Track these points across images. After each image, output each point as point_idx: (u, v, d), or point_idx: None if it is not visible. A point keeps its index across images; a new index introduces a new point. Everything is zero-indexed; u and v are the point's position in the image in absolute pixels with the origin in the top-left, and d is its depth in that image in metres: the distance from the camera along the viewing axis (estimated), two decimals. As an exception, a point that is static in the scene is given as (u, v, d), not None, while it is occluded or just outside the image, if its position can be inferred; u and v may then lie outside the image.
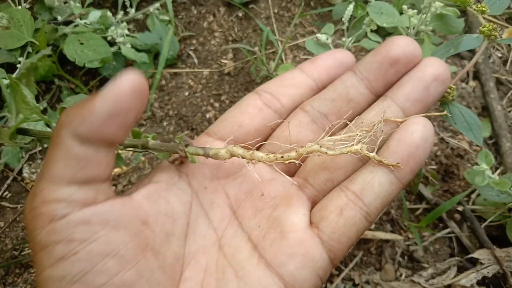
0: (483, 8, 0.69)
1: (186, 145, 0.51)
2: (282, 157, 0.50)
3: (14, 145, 0.59)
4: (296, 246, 0.49)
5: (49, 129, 0.60)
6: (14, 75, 0.98)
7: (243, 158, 0.51)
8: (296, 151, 0.50)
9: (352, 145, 0.50)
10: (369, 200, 0.50)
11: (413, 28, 0.76)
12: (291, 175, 0.56)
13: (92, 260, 0.42)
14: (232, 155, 0.51)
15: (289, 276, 0.48)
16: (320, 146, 0.49)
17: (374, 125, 0.51)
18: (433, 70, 0.52)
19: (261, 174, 0.54)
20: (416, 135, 0.49)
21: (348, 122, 0.54)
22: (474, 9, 0.69)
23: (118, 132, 0.42)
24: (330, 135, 0.51)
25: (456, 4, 0.71)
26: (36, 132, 0.55)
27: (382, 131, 0.51)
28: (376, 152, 0.50)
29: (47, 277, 0.42)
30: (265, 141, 0.57)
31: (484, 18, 0.69)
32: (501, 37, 0.83)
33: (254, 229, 0.52)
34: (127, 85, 0.40)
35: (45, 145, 0.63)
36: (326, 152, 0.49)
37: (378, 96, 0.55)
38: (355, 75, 0.55)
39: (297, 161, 0.51)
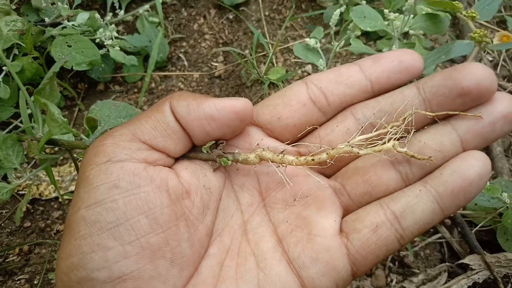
0: (473, 14, 0.68)
1: (217, 151, 0.51)
2: (313, 160, 0.49)
3: (43, 157, 0.59)
4: (321, 252, 0.48)
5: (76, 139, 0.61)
6: (1, 76, 0.97)
7: (272, 162, 0.50)
8: (327, 153, 0.48)
9: (384, 143, 0.47)
10: (407, 224, 0.48)
11: (397, 31, 0.75)
12: (328, 176, 0.54)
13: (128, 213, 0.42)
14: (261, 160, 0.50)
15: (309, 280, 0.47)
16: (352, 147, 0.47)
17: (405, 118, 0.48)
18: (503, 108, 0.48)
19: (296, 170, 0.52)
20: (473, 171, 0.47)
21: (384, 123, 0.51)
22: (464, 15, 0.69)
23: (202, 135, 0.48)
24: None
25: (446, 10, 0.71)
26: (65, 142, 0.56)
27: (414, 126, 0.48)
28: (425, 176, 0.48)
29: (80, 217, 0.42)
30: (304, 137, 0.55)
31: (475, 22, 0.68)
32: (492, 41, 0.82)
33: (281, 223, 0.52)
34: (238, 105, 0.47)
35: (74, 155, 0.66)
36: (358, 152, 0.47)
37: (433, 120, 0.51)
38: (418, 94, 0.50)
39: (329, 162, 0.49)
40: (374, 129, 0.50)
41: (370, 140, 0.49)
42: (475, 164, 0.47)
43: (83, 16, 1.09)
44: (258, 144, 0.52)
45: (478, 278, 0.89)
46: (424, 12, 0.79)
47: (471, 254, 0.94)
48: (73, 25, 1.09)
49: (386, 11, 0.74)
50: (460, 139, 0.49)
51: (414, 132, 0.50)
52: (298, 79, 1.18)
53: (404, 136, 0.50)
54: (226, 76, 1.19)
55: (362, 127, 0.51)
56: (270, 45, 1.22)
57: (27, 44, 0.98)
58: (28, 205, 1.00)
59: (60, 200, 1.03)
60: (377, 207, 0.50)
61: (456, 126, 0.50)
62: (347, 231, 0.50)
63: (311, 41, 0.80)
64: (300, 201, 0.52)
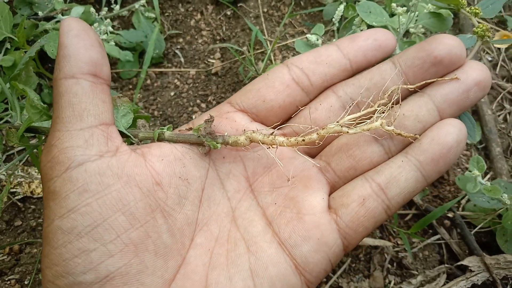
0: (477, 10, 0.69)
1: (204, 133, 0.50)
2: (303, 140, 0.49)
3: (23, 145, 0.57)
4: (312, 229, 0.49)
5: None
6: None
7: (263, 143, 0.50)
8: (318, 133, 0.49)
9: (372, 121, 0.49)
10: (392, 194, 0.49)
11: (402, 27, 0.74)
12: (313, 156, 0.55)
13: (104, 213, 0.42)
14: (251, 141, 0.50)
15: (301, 258, 0.48)
16: (341, 126, 0.49)
17: (390, 95, 0.50)
18: (476, 75, 0.51)
19: (281, 152, 0.53)
20: (451, 138, 0.49)
21: (371, 103, 0.53)
22: (468, 11, 0.69)
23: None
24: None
25: (449, 6, 0.70)
26: (45, 129, 0.54)
27: (400, 104, 0.50)
28: (399, 134, 0.49)
29: (56, 227, 0.41)
30: (289, 119, 0.56)
31: (468, 12, 0.68)
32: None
33: (270, 206, 0.52)
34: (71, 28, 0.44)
35: None
36: (347, 132, 0.48)
37: (413, 91, 0.53)
38: (394, 67, 0.53)
39: (318, 143, 0.50)
40: (362, 108, 0.51)
41: (357, 118, 0.51)
42: (452, 131, 0.49)
43: (77, 10, 1.07)
44: (244, 130, 0.52)
45: (477, 280, 0.89)
46: (426, 11, 0.78)
47: (470, 255, 0.93)
48: (67, 19, 1.06)
49: (394, 5, 0.73)
50: (437, 108, 0.51)
51: (393, 107, 0.52)
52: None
53: (386, 114, 0.51)
54: (223, 73, 1.17)
55: (350, 106, 0.52)
56: (268, 42, 1.20)
57: (20, 38, 0.96)
58: (20, 204, 0.97)
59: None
60: (362, 181, 0.51)
61: (432, 96, 0.52)
62: (335, 207, 0.51)
63: (312, 37, 0.79)
64: (287, 182, 0.53)
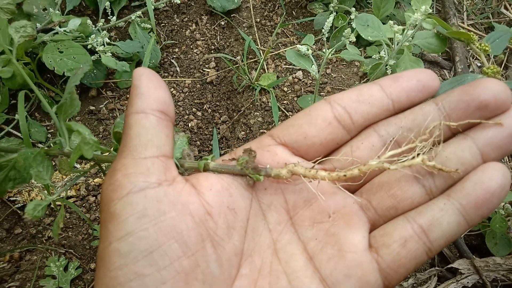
0: (486, 48, 0.70)
1: (247, 166, 0.51)
2: (344, 175, 0.49)
3: (76, 172, 0.60)
4: (353, 268, 0.49)
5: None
6: None
7: (305, 177, 0.50)
8: (359, 169, 0.49)
9: (413, 157, 0.48)
10: (434, 237, 0.49)
11: (397, 44, 0.76)
12: (353, 193, 0.55)
13: (159, 239, 0.43)
14: (293, 175, 0.50)
15: None
16: (383, 163, 0.48)
17: (431, 132, 0.49)
18: None
19: (322, 187, 0.53)
20: (495, 182, 0.48)
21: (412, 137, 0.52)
22: (477, 47, 0.70)
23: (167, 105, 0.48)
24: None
25: (459, 38, 0.72)
26: (95, 156, 0.56)
27: (442, 139, 0.50)
28: (439, 169, 0.49)
29: (113, 250, 0.42)
30: (329, 155, 0.55)
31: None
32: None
33: (311, 240, 0.52)
34: None
35: (104, 168, 0.67)
36: (389, 168, 0.48)
37: (455, 133, 0.53)
38: (438, 109, 0.52)
39: (359, 179, 0.50)
40: (404, 144, 0.51)
41: (398, 155, 0.50)
42: (496, 175, 0.48)
43: (75, 22, 1.09)
44: (286, 164, 0.52)
45: (467, 282, 0.90)
46: (428, 28, 0.80)
47: (460, 258, 0.95)
48: (64, 31, 1.09)
49: (390, 22, 0.75)
50: (480, 152, 0.51)
51: (435, 146, 0.51)
52: (289, 85, 1.20)
53: (427, 150, 0.51)
54: (218, 82, 1.20)
55: (391, 141, 0.52)
56: (261, 52, 1.23)
57: (18, 50, 0.98)
58: (20, 212, 0.99)
59: (52, 206, 1.03)
60: (404, 222, 0.50)
61: (475, 139, 0.51)
62: (376, 246, 0.50)
63: (302, 48, 0.81)
64: (328, 218, 0.53)
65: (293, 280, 0.49)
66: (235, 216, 0.50)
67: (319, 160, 0.53)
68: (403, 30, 0.78)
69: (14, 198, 1.01)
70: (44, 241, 0.97)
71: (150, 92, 0.48)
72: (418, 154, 0.49)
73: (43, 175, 0.58)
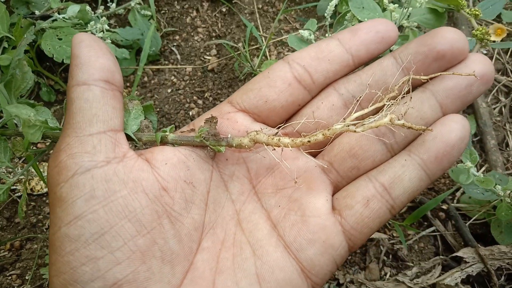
0: (476, 12, 0.68)
1: (208, 136, 0.49)
2: (309, 141, 0.48)
3: (31, 152, 0.57)
4: (317, 232, 0.48)
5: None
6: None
7: (268, 145, 0.49)
8: (323, 134, 0.47)
9: (381, 118, 0.47)
10: (396, 194, 0.49)
11: (395, 23, 0.74)
12: (314, 156, 0.54)
13: (110, 220, 0.42)
14: (256, 143, 0.49)
15: (307, 261, 0.48)
16: (348, 126, 0.47)
17: (399, 88, 0.48)
18: (479, 69, 0.49)
19: (284, 153, 0.52)
20: (455, 135, 0.48)
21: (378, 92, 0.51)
22: (467, 13, 0.68)
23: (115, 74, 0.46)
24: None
25: (449, 6, 0.70)
26: (51, 134, 0.54)
27: (411, 98, 0.49)
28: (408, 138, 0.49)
29: (63, 235, 0.41)
30: (291, 117, 0.55)
31: (468, 13, 0.68)
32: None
33: (274, 208, 0.51)
34: None
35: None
36: (355, 131, 0.46)
37: (415, 86, 0.52)
38: (396, 63, 0.52)
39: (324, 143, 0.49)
40: (370, 104, 0.49)
41: (364, 116, 0.49)
42: (455, 128, 0.48)
43: (73, 9, 1.07)
44: (247, 132, 0.51)
45: (472, 271, 0.89)
46: (418, 5, 0.78)
47: (465, 247, 0.94)
48: (63, 17, 1.07)
49: (385, 1, 0.73)
50: (439, 104, 0.51)
51: (395, 102, 0.50)
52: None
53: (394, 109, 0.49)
54: (219, 70, 1.18)
55: (356, 103, 0.51)
56: (263, 38, 1.21)
57: (17, 37, 0.97)
58: (19, 200, 0.99)
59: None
60: (366, 181, 0.50)
61: (434, 92, 0.51)
62: (339, 209, 0.50)
63: (305, 33, 0.79)
64: (290, 183, 0.52)
65: (257, 250, 0.49)
66: (193, 189, 0.48)
67: (282, 126, 0.52)
68: (400, 7, 0.76)
69: (14, 187, 1.01)
70: (45, 230, 0.96)
71: (92, 61, 0.45)
72: (385, 114, 0.47)
73: (0, 157, 0.56)
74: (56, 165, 0.43)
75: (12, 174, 0.63)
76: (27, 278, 0.89)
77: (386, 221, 0.50)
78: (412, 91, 0.51)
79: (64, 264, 0.41)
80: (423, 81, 0.50)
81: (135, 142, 0.51)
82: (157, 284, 0.43)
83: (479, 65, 0.49)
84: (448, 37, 0.49)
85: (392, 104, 0.48)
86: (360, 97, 0.51)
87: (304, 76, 0.53)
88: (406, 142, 0.52)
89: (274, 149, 0.50)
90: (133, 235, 0.43)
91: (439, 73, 0.49)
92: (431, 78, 0.49)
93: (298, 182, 0.52)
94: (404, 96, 0.49)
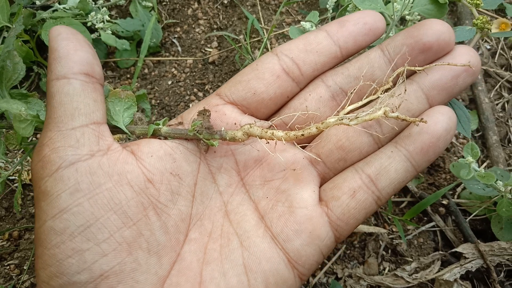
0: (477, 2, 0.68)
1: (201, 130, 0.49)
2: (302, 135, 0.48)
3: (25, 144, 0.57)
4: (304, 223, 0.49)
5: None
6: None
7: (261, 138, 0.49)
8: (317, 127, 0.48)
9: (375, 111, 0.47)
10: (383, 185, 0.49)
11: (397, 14, 0.74)
12: (302, 148, 0.54)
13: (96, 213, 0.42)
14: (249, 136, 0.49)
15: (294, 252, 0.48)
16: (342, 119, 0.47)
17: (393, 80, 0.48)
18: (465, 61, 0.50)
19: (272, 145, 0.52)
20: (440, 126, 0.48)
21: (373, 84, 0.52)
22: (469, 2, 0.68)
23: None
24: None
25: None
26: (42, 127, 0.53)
27: (405, 90, 0.49)
28: (396, 134, 0.49)
29: (48, 228, 0.41)
30: (279, 109, 0.55)
31: (469, 3, 0.67)
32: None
33: (262, 199, 0.52)
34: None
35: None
36: (348, 124, 0.47)
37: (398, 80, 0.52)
38: (383, 55, 0.52)
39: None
40: (364, 97, 0.50)
41: (358, 109, 0.49)
42: (441, 120, 0.49)
43: (74, -1, 1.07)
44: (236, 124, 0.52)
45: (471, 266, 0.89)
46: None
47: (464, 242, 0.93)
48: (64, 8, 1.07)
49: None
50: (426, 96, 0.51)
51: (380, 94, 0.50)
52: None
53: (372, 100, 0.50)
54: (220, 62, 1.18)
55: (350, 96, 0.51)
56: (264, 31, 1.20)
57: (17, 26, 0.96)
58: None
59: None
60: (352, 173, 0.51)
61: (420, 84, 0.51)
62: (326, 200, 0.51)
63: (306, 25, 0.79)
64: (278, 175, 0.52)
65: (245, 241, 0.49)
66: (179, 181, 0.49)
67: (274, 120, 0.52)
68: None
69: (14, 177, 1.01)
70: (44, 221, 0.96)
71: (70, 54, 0.44)
72: (379, 106, 0.47)
73: None
74: (40, 160, 0.43)
75: (10, 164, 0.62)
76: (25, 268, 0.89)
77: (372, 213, 0.51)
78: (399, 83, 0.52)
79: (50, 257, 0.41)
80: (418, 72, 0.50)
81: (128, 135, 0.51)
82: (143, 275, 0.44)
83: (465, 57, 0.50)
84: (435, 29, 0.49)
85: (384, 97, 0.48)
86: (354, 89, 0.51)
87: (293, 68, 0.53)
88: (393, 134, 0.52)
89: (268, 142, 0.50)
90: (119, 227, 0.43)
91: (434, 64, 0.50)
92: (425, 69, 0.50)
93: (285, 173, 0.52)
94: (391, 88, 0.49)
